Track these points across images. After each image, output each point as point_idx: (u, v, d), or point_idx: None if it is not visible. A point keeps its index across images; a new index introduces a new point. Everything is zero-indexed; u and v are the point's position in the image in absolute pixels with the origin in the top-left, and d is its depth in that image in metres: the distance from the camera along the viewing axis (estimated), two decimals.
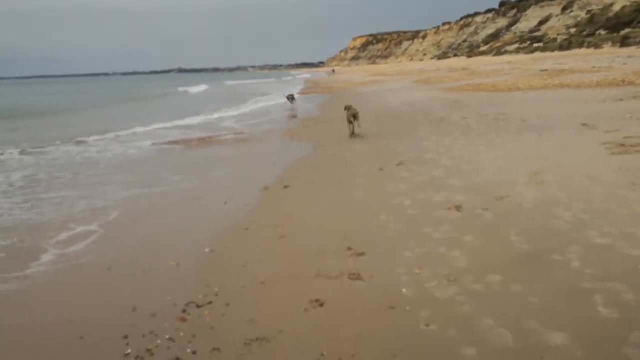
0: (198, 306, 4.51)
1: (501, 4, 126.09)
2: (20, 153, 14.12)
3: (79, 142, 16.00)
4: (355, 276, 4.76)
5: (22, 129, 21.09)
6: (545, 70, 32.56)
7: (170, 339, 3.99)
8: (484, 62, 65.45)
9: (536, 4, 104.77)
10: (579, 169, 7.56)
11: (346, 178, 8.90)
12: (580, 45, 70.63)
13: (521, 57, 71.84)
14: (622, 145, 8.71)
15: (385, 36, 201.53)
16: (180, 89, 61.58)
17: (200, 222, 7.17)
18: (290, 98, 28.35)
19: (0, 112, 30.95)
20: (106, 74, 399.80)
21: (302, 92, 41.70)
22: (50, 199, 8.80)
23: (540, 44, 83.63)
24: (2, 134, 19.35)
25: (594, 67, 30.20)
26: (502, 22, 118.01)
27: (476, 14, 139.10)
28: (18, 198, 8.97)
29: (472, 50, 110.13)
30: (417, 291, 4.34)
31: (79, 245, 6.40)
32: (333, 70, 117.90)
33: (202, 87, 64.47)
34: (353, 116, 14.03)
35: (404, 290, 4.37)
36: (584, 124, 11.33)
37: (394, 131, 13.93)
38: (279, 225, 6.61)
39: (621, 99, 15.20)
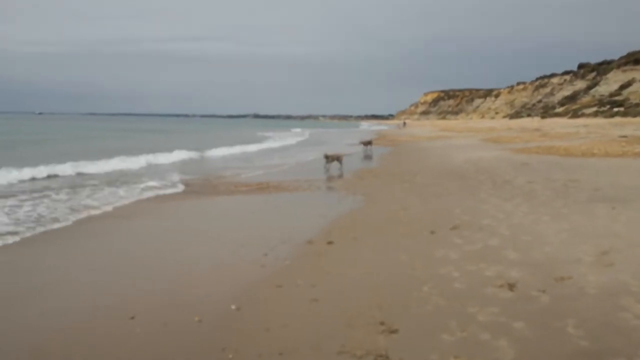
0: None
1: (580, 66, 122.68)
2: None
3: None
4: (383, 358, 4.24)
5: None
6: (625, 136, 30.75)
7: None
8: (559, 124, 63.18)
9: (618, 68, 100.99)
10: None
11: (394, 238, 8.40)
12: None
13: (599, 121, 68.81)
14: None
15: (457, 93, 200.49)
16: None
17: (235, 274, 6.88)
18: (366, 143, 30.78)
19: None
20: (186, 115, 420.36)
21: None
22: None
23: (621, 109, 79.91)
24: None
25: None
26: (580, 84, 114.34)
27: (553, 75, 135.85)
28: None
29: (546, 112, 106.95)
30: None
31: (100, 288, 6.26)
32: (404, 123, 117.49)
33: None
34: (337, 159, 17.97)
35: None
36: None
37: (453, 191, 13.31)
38: (315, 285, 6.21)
39: None
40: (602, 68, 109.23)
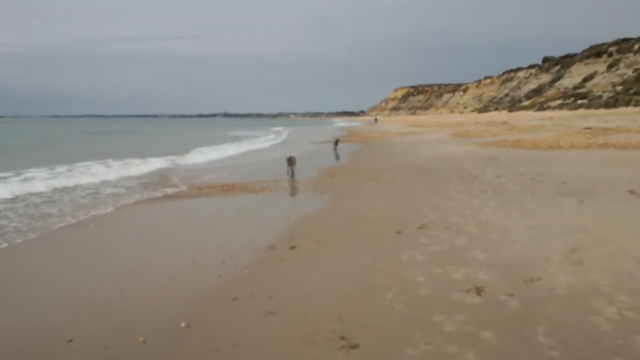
0: None
1: (545, 60, 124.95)
2: None
3: None
4: None
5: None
6: (589, 128, 31.20)
7: None
8: (525, 117, 64.09)
9: (580, 61, 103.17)
10: (624, 247, 6.51)
11: (359, 240, 8.06)
12: (627, 103, 68.44)
13: (564, 113, 70.17)
14: None
15: (427, 88, 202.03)
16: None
17: (189, 286, 6.42)
18: (335, 143, 29.97)
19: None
20: (155, 116, 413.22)
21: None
22: None
23: (585, 101, 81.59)
24: None
25: None
26: (545, 77, 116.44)
27: (519, 69, 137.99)
28: None
29: (513, 105, 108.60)
30: None
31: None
32: (376, 120, 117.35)
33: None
34: (293, 162, 17.25)
35: None
36: (632, 191, 10.22)
37: (421, 188, 13.05)
38: (273, 296, 5.81)
39: None
40: (566, 61, 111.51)
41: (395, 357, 4.16)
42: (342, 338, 4.56)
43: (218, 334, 4.90)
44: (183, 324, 5.16)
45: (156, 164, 21.63)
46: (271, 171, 19.00)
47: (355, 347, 4.40)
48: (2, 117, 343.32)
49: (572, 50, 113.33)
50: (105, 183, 16.33)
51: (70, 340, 4.90)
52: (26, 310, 5.78)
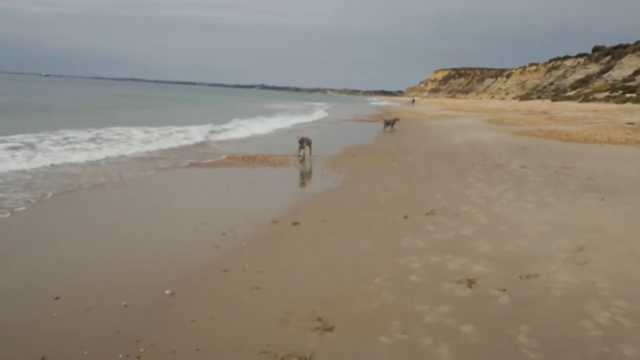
0: None
1: (595, 50, 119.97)
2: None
3: None
4: None
5: None
6: (632, 123, 29.84)
7: None
8: (567, 108, 61.93)
9: (633, 52, 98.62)
10: (636, 251, 6.18)
11: (364, 222, 7.91)
12: None
13: (610, 106, 67.44)
14: None
15: (468, 71, 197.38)
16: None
17: (183, 255, 6.43)
18: (390, 123, 27.87)
19: None
20: (194, 84, 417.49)
21: (368, 120, 40.97)
22: None
23: (634, 95, 78.19)
24: None
25: None
26: (593, 68, 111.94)
27: (566, 57, 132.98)
28: None
29: (557, 95, 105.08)
30: None
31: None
32: (413, 101, 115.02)
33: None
34: (308, 143, 15.69)
35: None
36: None
37: (442, 173, 12.75)
38: (263, 271, 5.75)
39: None
40: (617, 52, 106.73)
41: (368, 344, 4.05)
42: (319, 320, 4.47)
43: (198, 305, 4.88)
44: (167, 292, 5.15)
45: (193, 133, 21.32)
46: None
47: (329, 329, 4.30)
48: (47, 75, 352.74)
49: (624, 41, 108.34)
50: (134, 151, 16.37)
51: (57, 298, 4.96)
52: (21, 268, 5.88)
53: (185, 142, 18.60)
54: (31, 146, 14.46)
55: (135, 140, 17.72)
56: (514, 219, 7.92)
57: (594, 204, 8.92)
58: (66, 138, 16.89)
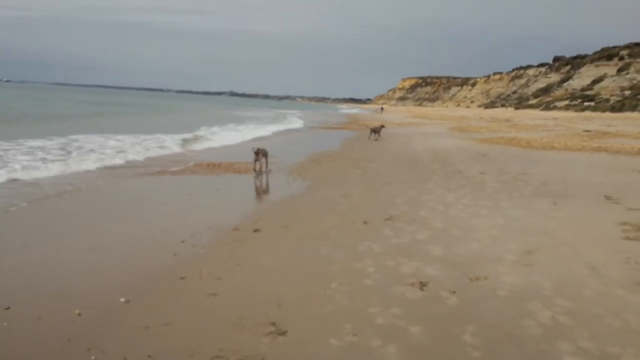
0: None
1: (555, 59, 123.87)
2: None
3: None
4: None
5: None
6: (589, 131, 30.98)
7: None
8: (530, 116, 63.72)
9: (591, 62, 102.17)
10: (581, 252, 6.47)
11: (324, 228, 8.03)
12: (633, 108, 67.94)
13: (569, 114, 69.67)
14: None
15: (435, 80, 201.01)
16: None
17: (141, 263, 6.41)
18: (377, 131, 26.87)
19: None
20: (161, 90, 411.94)
21: (336, 127, 41.25)
22: None
23: (592, 103, 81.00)
24: None
25: None
26: (554, 77, 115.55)
27: (529, 66, 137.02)
28: None
29: (520, 103, 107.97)
30: None
31: None
32: (382, 108, 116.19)
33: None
34: (264, 155, 14.52)
35: None
36: (608, 197, 10.14)
37: (403, 179, 12.99)
38: (221, 278, 5.79)
39: None
40: (577, 62, 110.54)
41: (318, 347, 4.15)
42: (273, 324, 4.55)
43: (153, 312, 4.89)
44: (122, 300, 5.15)
45: (163, 142, 20.80)
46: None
47: (282, 333, 4.38)
48: (8, 81, 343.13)
49: (583, 51, 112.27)
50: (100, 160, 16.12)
51: (7, 308, 4.90)
52: None
53: (155, 151, 18.29)
54: None
55: (106, 149, 17.34)
56: (468, 224, 8.16)
57: (545, 208, 9.26)
58: (31, 148, 16.37)
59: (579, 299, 5.03)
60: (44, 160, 14.11)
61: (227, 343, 4.22)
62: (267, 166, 14.73)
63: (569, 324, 4.47)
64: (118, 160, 15.39)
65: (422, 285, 5.43)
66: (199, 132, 26.61)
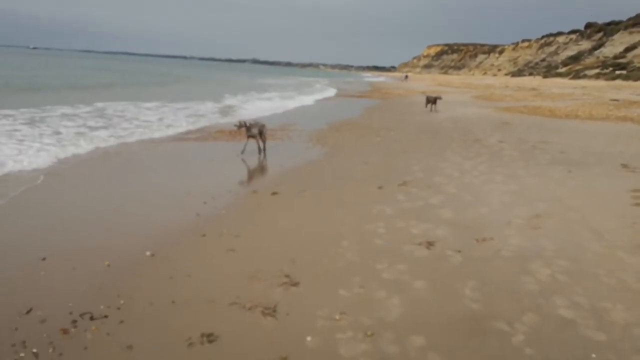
0: (92, 318, 4.13)
1: (587, 26, 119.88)
2: None
3: None
4: (270, 311, 4.22)
5: None
6: (617, 100, 30.33)
7: (35, 354, 3.61)
8: (557, 85, 62.31)
9: (625, 29, 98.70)
10: (588, 217, 6.64)
11: (339, 193, 8.31)
12: None
13: (599, 83, 67.89)
14: None
15: (462, 47, 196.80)
16: None
17: (165, 222, 6.80)
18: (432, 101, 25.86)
19: None
20: (184, 57, 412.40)
21: (359, 95, 41.11)
22: None
23: (624, 72, 78.68)
24: None
25: None
26: (585, 44, 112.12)
27: (559, 33, 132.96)
28: None
29: (549, 71, 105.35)
30: (322, 343, 3.75)
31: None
32: (407, 76, 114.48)
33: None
34: (260, 131, 12.06)
35: (308, 338, 3.80)
36: (624, 165, 10.17)
37: (422, 147, 13.14)
38: (239, 236, 6.15)
39: None
40: (610, 29, 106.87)
41: (328, 297, 4.48)
42: (287, 276, 4.89)
43: (177, 264, 5.27)
44: (148, 253, 5.55)
45: (200, 110, 21.55)
46: (290, 119, 19.19)
47: (295, 285, 4.72)
48: (35, 48, 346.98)
49: (617, 17, 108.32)
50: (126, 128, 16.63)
51: (43, 259, 5.33)
52: (12, 230, 6.26)
53: (193, 120, 18.53)
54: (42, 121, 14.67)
55: (144, 119, 17.75)
56: (481, 190, 8.35)
57: (559, 176, 9.36)
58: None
59: (579, 259, 5.24)
60: (90, 127, 14.69)
61: (243, 292, 4.58)
62: (264, 145, 12.25)
63: (566, 282, 4.70)
64: (157, 131, 15.71)
65: (429, 244, 5.71)
66: (232, 101, 27.01)
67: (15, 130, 13.02)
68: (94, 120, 16.21)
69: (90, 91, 29.66)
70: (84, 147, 11.68)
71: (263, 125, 12.31)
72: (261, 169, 10.70)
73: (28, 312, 4.22)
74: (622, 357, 3.55)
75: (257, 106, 26.73)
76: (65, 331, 3.93)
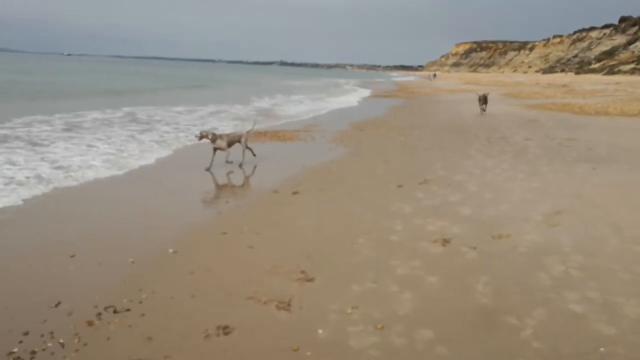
0: (115, 312, 4.32)
1: (622, 20, 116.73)
2: None
3: None
4: (284, 305, 4.35)
5: None
6: None
7: (61, 344, 3.82)
8: (589, 81, 60.91)
9: None
10: (609, 214, 6.57)
11: (359, 191, 8.40)
12: None
13: (634, 78, 66.10)
14: None
15: (490, 45, 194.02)
16: None
17: (188, 220, 7.02)
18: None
19: None
20: (212, 61, 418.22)
21: (383, 95, 41.03)
22: None
23: None
24: None
25: None
26: (620, 39, 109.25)
27: (592, 28, 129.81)
28: None
29: (582, 67, 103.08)
30: (333, 335, 3.86)
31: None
32: (434, 75, 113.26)
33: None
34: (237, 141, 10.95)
35: (320, 331, 3.91)
36: None
37: (445, 146, 13.12)
38: (259, 233, 6.31)
39: None
40: None
41: (341, 292, 4.58)
42: (302, 272, 5.02)
43: (197, 260, 5.45)
44: (171, 250, 5.75)
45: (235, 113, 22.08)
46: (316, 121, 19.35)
47: (310, 280, 4.85)
48: (69, 54, 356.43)
49: None
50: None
51: (72, 256, 5.59)
52: (44, 228, 6.57)
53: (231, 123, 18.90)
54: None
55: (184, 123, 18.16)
56: (501, 187, 8.33)
57: (584, 173, 9.26)
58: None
59: (596, 254, 5.22)
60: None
61: (260, 286, 4.72)
62: (243, 156, 10.90)
63: (580, 277, 4.70)
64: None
65: (445, 241, 5.75)
66: (268, 104, 27.53)
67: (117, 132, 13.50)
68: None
69: (127, 96, 30.36)
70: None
71: (241, 135, 11.11)
72: (282, 168, 10.83)
73: (57, 305, 4.45)
74: (631, 350, 3.56)
75: (294, 109, 26.71)
76: (90, 323, 4.13)
